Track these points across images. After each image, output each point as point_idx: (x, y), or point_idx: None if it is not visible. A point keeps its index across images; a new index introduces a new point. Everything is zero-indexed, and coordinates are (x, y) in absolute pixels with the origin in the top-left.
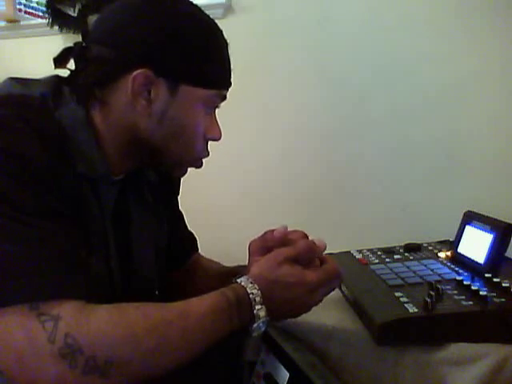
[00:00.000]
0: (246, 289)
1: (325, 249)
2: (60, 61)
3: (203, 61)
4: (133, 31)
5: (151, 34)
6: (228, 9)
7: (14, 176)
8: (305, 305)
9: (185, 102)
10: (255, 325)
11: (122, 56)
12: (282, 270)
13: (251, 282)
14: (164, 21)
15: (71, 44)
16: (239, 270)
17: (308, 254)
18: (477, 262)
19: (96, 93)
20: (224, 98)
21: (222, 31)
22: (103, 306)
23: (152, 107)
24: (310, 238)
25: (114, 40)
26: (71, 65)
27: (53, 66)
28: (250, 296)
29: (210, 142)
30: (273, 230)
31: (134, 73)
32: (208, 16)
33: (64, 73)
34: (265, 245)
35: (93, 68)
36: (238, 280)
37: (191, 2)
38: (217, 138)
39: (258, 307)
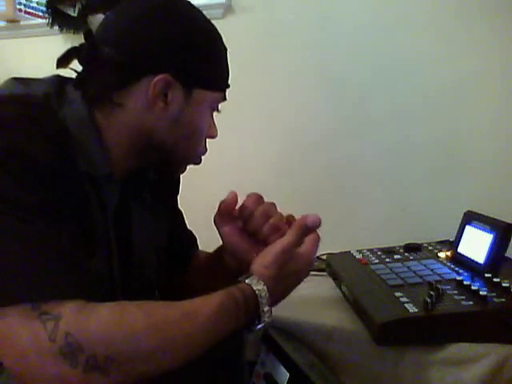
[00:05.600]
0: (254, 291)
1: (319, 224)
2: (64, 61)
3: (213, 65)
4: (148, 35)
5: (167, 38)
6: (228, 9)
7: (18, 175)
8: (302, 280)
9: (197, 105)
10: (260, 326)
11: (139, 60)
12: (287, 264)
13: (259, 282)
14: (179, 26)
15: (71, 44)
16: (221, 251)
17: (303, 238)
18: (477, 262)
19: (110, 97)
20: (225, 98)
21: (221, 36)
22: (105, 305)
23: (168, 110)
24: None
25: (128, 43)
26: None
27: (53, 66)
28: (259, 299)
29: (209, 141)
30: (224, 201)
31: (156, 78)
32: (210, 21)
33: (65, 72)
34: (225, 215)
35: (107, 71)
36: (247, 281)
37: (195, 7)
38: (214, 137)
39: (265, 308)
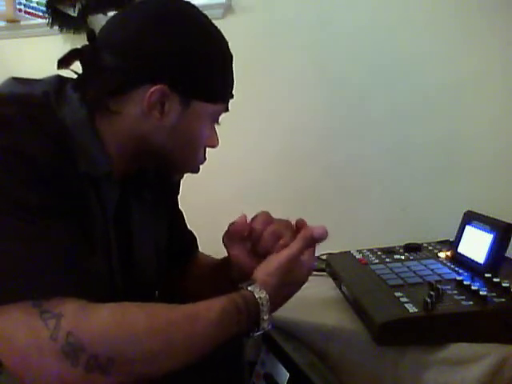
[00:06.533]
0: (256, 298)
1: (326, 236)
2: (65, 62)
3: (214, 78)
4: (150, 45)
5: (168, 50)
6: (228, 9)
7: (17, 174)
8: (300, 288)
9: (195, 117)
10: (258, 333)
11: (139, 69)
12: (290, 273)
13: (261, 290)
14: (180, 37)
15: (71, 44)
16: (226, 262)
17: (307, 249)
18: (477, 262)
19: (107, 102)
20: (227, 110)
21: (228, 43)
22: (106, 305)
23: (164, 120)
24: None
25: (129, 51)
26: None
27: (53, 66)
28: (260, 307)
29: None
30: (234, 223)
31: (153, 88)
32: (216, 28)
33: (65, 73)
34: (234, 237)
35: (106, 77)
36: (249, 288)
37: (201, 14)
38: (215, 146)
39: (265, 317)
